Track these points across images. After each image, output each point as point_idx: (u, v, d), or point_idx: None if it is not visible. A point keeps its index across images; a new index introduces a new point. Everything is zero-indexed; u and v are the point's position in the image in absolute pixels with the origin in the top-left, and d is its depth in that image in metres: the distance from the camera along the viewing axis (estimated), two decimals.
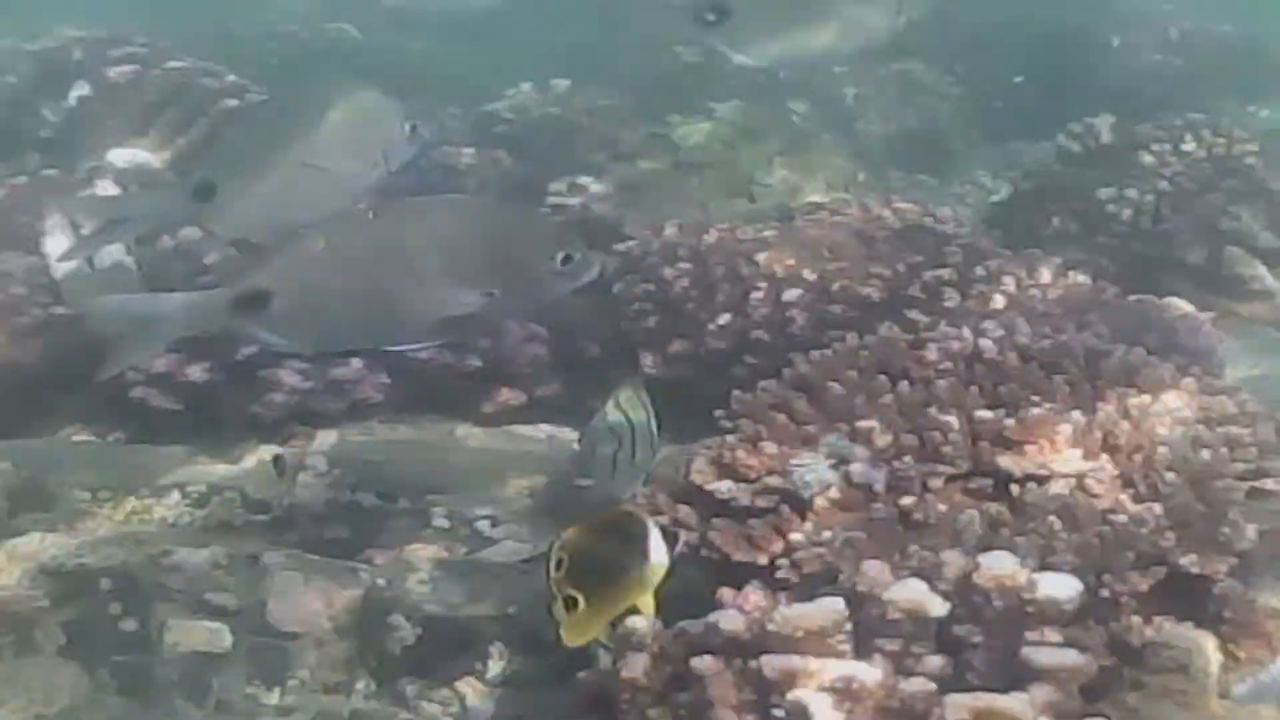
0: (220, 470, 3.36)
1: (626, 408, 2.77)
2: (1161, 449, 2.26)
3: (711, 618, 2.00)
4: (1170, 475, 2.21)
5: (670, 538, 1.82)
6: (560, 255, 2.42)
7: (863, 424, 2.43)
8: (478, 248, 2.39)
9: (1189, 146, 4.26)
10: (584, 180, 5.11)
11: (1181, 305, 3.52)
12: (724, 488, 2.41)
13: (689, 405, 2.97)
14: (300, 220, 2.44)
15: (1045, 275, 3.53)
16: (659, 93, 6.01)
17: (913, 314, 3.33)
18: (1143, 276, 3.89)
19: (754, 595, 2.11)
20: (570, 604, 1.78)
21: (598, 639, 2.00)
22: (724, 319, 3.64)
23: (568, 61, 6.58)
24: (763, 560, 2.28)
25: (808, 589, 2.10)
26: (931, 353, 2.56)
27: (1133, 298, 3.53)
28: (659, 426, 2.82)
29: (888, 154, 6.45)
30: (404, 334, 2.42)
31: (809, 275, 3.62)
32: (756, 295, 3.61)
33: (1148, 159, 4.30)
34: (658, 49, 6.53)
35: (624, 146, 5.46)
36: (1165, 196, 4.20)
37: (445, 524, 3.14)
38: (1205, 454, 2.25)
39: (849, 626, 1.89)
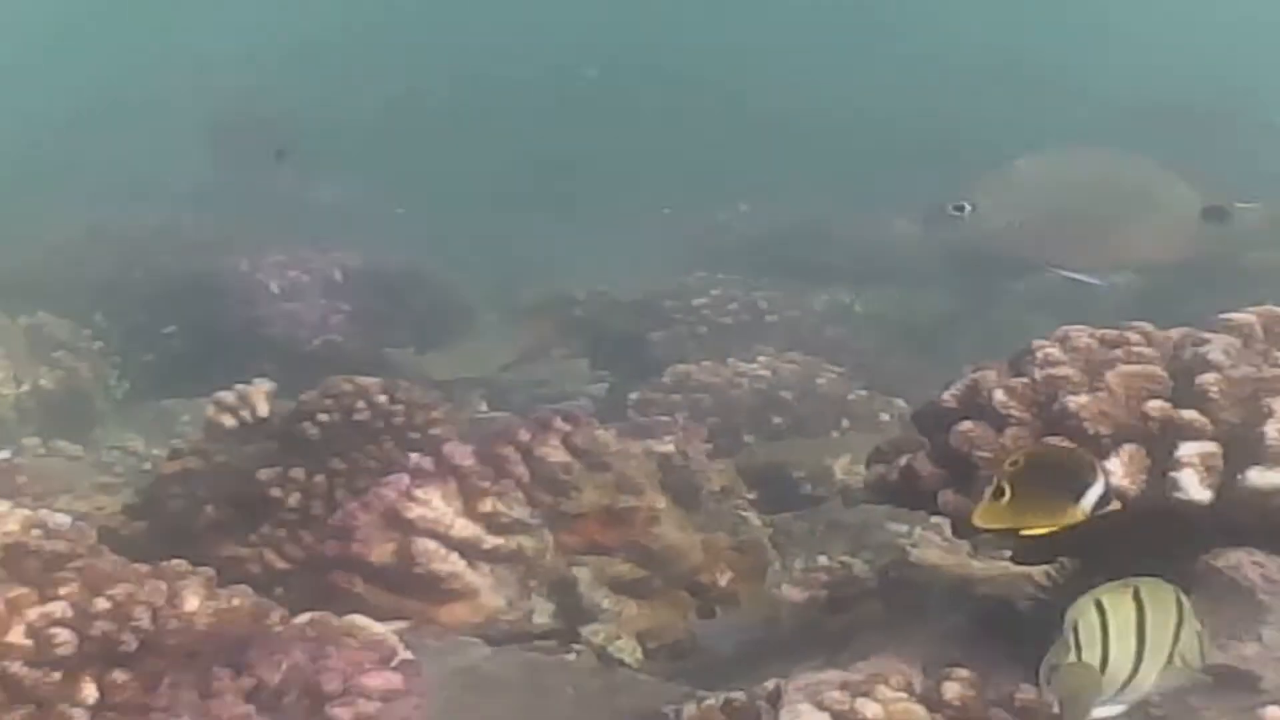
0: None
1: None
2: None
3: None
4: None
5: (1106, 498, 2.05)
6: None
7: None
8: None
9: (362, 416, 3.63)
10: None
11: (365, 625, 2.81)
12: None
13: None
14: None
15: (191, 600, 2.72)
16: None
17: None
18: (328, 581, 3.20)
19: None
20: (999, 493, 2.03)
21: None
22: None
23: None
24: None
25: None
26: None
27: (305, 618, 2.81)
28: None
29: (17, 422, 5.52)
30: None
31: None
32: None
33: (312, 431, 3.62)
34: None
35: None
36: (340, 476, 3.54)
37: None
38: None
39: None
